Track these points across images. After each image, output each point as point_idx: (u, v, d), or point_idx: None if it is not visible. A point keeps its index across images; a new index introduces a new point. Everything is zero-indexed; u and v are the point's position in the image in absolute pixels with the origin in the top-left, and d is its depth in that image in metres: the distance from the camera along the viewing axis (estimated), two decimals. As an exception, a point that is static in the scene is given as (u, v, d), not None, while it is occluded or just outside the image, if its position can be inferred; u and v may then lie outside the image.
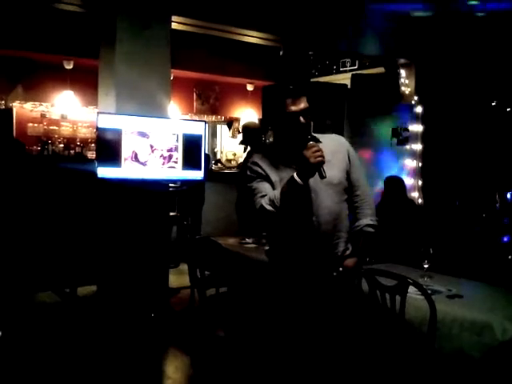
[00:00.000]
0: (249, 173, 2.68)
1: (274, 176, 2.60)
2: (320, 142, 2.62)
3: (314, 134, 2.66)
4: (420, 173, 7.21)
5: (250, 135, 6.46)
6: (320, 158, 2.41)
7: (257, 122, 7.34)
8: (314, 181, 2.52)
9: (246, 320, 4.16)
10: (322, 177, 2.47)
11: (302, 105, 2.55)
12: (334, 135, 2.83)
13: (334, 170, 2.58)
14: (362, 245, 2.71)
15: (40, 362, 3.96)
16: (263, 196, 2.56)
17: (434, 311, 2.76)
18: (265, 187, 2.59)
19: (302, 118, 2.54)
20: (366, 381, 2.94)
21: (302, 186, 2.43)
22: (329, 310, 2.60)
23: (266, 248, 2.88)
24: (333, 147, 2.67)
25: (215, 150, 10.28)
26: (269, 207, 2.50)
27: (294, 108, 2.54)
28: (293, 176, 2.43)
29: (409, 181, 7.05)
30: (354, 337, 2.71)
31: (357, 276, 2.84)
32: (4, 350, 4.11)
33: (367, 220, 2.71)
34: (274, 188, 2.58)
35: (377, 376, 2.96)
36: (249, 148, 6.54)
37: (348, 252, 2.68)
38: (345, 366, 2.66)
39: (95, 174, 4.68)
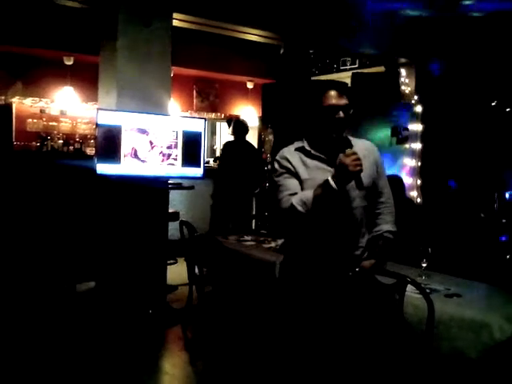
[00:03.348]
0: (277, 167, 2.63)
1: (303, 174, 2.56)
2: (352, 145, 2.62)
3: (349, 137, 2.66)
4: (419, 172, 7.21)
5: (239, 129, 6.62)
6: (359, 167, 2.39)
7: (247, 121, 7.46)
8: None
9: (245, 317, 4.17)
10: (361, 186, 2.46)
11: (344, 101, 2.55)
12: (365, 141, 2.83)
13: (363, 175, 2.55)
14: (381, 249, 2.69)
15: (38, 357, 3.96)
16: (292, 194, 2.52)
17: (432, 310, 2.77)
18: (293, 184, 2.56)
19: (341, 113, 2.53)
20: (363, 379, 2.95)
21: (337, 191, 2.39)
22: (340, 308, 2.59)
23: (268, 245, 2.87)
24: (364, 152, 2.65)
25: (214, 148, 10.30)
26: (300, 208, 2.44)
27: (334, 101, 2.53)
28: (328, 181, 2.39)
29: (408, 180, 7.05)
30: (358, 335, 2.70)
31: (373, 277, 2.80)
32: (2, 345, 4.13)
33: (388, 226, 2.71)
34: (301, 186, 2.55)
35: (375, 374, 2.97)
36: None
37: (365, 255, 2.67)
38: (345, 361, 2.67)
39: (94, 170, 4.68)
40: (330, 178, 2.40)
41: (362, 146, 2.69)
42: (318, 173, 2.53)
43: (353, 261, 2.61)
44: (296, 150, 2.65)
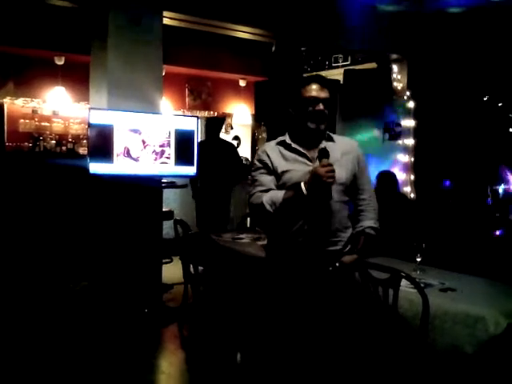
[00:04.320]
0: (256, 161, 2.70)
1: (281, 167, 2.62)
2: (333, 141, 2.70)
3: (329, 133, 2.72)
4: (412, 167, 7.23)
5: (210, 126, 6.72)
6: (332, 180, 2.45)
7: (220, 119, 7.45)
8: None
9: (241, 314, 4.17)
10: (329, 198, 2.51)
11: (325, 94, 2.61)
12: (347, 138, 2.89)
13: (341, 170, 2.60)
14: (362, 245, 2.72)
15: (34, 357, 3.95)
16: (263, 191, 2.58)
17: (427, 304, 2.77)
18: (267, 180, 2.61)
19: (321, 105, 2.59)
20: (358, 374, 2.95)
21: (306, 197, 2.46)
22: (322, 303, 2.61)
23: (263, 242, 2.89)
24: (344, 148, 2.71)
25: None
26: (268, 207, 2.52)
27: (315, 93, 2.59)
28: (300, 186, 2.47)
29: (401, 175, 7.07)
30: (346, 330, 2.71)
31: (353, 272, 2.85)
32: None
33: (370, 223, 2.74)
34: (278, 180, 2.60)
35: (370, 369, 2.97)
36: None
37: (346, 249, 2.69)
38: (338, 358, 2.67)
39: (87, 170, 4.67)
40: (302, 184, 2.47)
41: (342, 142, 2.75)
42: (296, 165, 2.61)
43: (334, 255, 2.64)
44: (277, 144, 2.71)
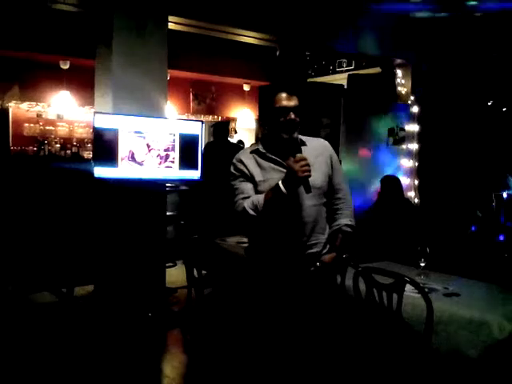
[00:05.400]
0: (233, 170, 2.68)
1: (258, 176, 2.61)
2: (305, 144, 2.68)
3: (301, 137, 2.70)
4: (416, 172, 7.23)
5: (217, 130, 6.73)
6: (307, 173, 2.44)
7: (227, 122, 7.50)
8: None
9: (244, 318, 4.17)
10: (308, 190, 2.50)
11: (294, 102, 2.59)
12: (319, 139, 2.86)
13: (316, 173, 2.59)
14: (340, 243, 2.71)
15: (37, 361, 3.95)
16: (245, 198, 2.57)
17: (431, 309, 2.77)
18: (247, 188, 2.60)
19: (292, 114, 2.57)
20: (361, 379, 2.95)
21: (286, 195, 2.45)
22: (305, 303, 2.61)
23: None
24: (317, 151, 2.70)
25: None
26: (251, 212, 2.51)
27: (285, 103, 2.57)
28: (278, 185, 2.46)
29: (405, 180, 7.07)
30: (332, 330, 2.71)
31: (334, 271, 2.86)
32: (2, 349, 4.12)
33: (346, 220, 2.73)
34: (256, 188, 2.60)
35: (372, 374, 2.97)
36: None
37: (325, 250, 2.69)
38: (332, 362, 2.67)
39: (92, 174, 4.68)
40: (280, 183, 2.46)
41: (314, 145, 2.74)
42: (272, 174, 2.59)
43: (314, 257, 2.64)
44: (251, 152, 2.70)
